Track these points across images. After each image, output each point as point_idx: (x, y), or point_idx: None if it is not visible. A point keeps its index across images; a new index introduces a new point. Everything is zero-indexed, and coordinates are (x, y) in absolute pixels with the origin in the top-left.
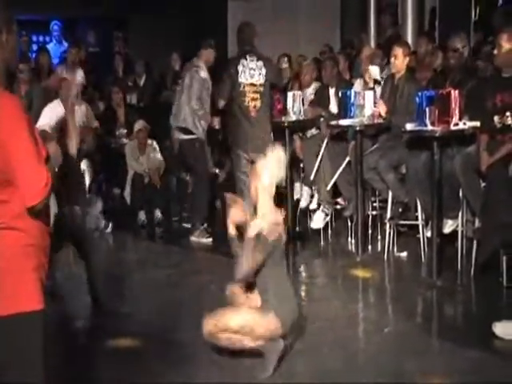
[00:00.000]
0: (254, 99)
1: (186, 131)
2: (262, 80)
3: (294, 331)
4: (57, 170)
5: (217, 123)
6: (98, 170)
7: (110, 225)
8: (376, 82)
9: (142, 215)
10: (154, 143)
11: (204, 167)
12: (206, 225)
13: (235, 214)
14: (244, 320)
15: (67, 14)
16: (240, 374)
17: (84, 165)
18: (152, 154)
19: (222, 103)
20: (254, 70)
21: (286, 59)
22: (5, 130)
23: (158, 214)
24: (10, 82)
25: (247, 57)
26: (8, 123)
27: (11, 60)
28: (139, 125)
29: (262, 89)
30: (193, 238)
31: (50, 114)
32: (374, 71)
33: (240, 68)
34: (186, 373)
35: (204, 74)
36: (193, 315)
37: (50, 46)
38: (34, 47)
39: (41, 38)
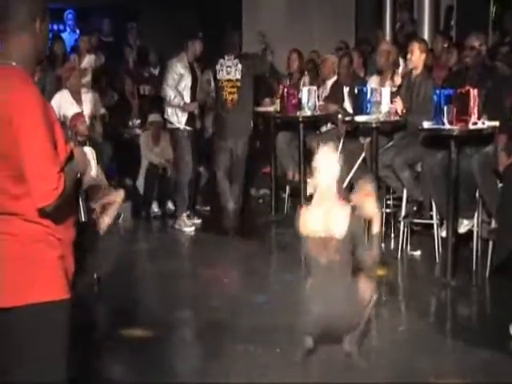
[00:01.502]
0: (231, 93)
1: (168, 120)
2: (238, 75)
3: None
4: (79, 175)
5: (193, 107)
6: (110, 159)
7: (122, 215)
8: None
9: (155, 206)
10: (167, 135)
11: (185, 158)
12: (188, 213)
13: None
14: None
15: (81, 3)
16: (248, 365)
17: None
18: (166, 146)
19: (200, 96)
20: (231, 67)
21: (296, 55)
22: (20, 129)
23: (170, 205)
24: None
25: (225, 56)
26: (24, 121)
27: (43, 48)
28: (152, 117)
29: (238, 84)
30: (176, 226)
31: (57, 106)
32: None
33: (218, 67)
34: (195, 363)
35: (182, 66)
36: (202, 307)
37: (64, 35)
38: (49, 35)
39: (55, 27)
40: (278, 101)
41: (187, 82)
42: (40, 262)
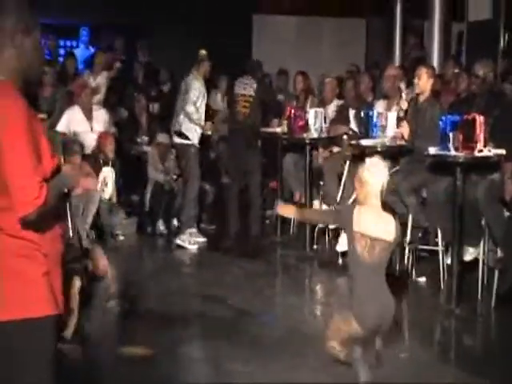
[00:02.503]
0: (244, 107)
1: (182, 135)
2: (251, 92)
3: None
4: (66, 190)
5: (209, 127)
6: (118, 176)
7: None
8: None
9: (160, 224)
10: (174, 153)
11: (195, 174)
12: (193, 230)
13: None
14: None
15: (94, 21)
16: None
17: (107, 173)
18: (172, 163)
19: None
20: (247, 84)
21: (300, 77)
22: (2, 141)
23: (175, 222)
24: (33, 83)
25: (244, 76)
26: (5, 134)
27: (29, 62)
28: (161, 138)
29: (251, 99)
30: (178, 242)
31: (67, 122)
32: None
33: (236, 83)
34: (194, 382)
35: (201, 84)
36: (204, 326)
37: (77, 51)
38: (62, 51)
39: (68, 43)
40: (285, 122)
41: (204, 100)
42: (23, 279)
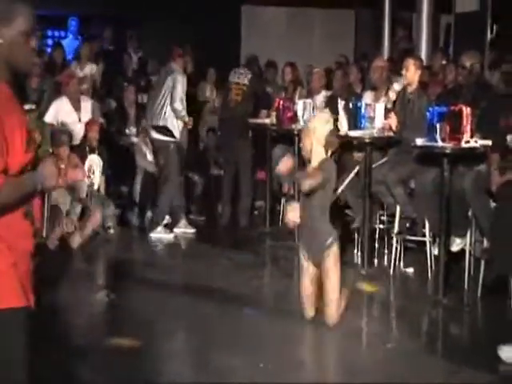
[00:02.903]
0: (236, 94)
1: (163, 132)
2: (245, 81)
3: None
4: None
5: (191, 122)
6: (106, 167)
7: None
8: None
9: (149, 215)
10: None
11: (175, 169)
12: (166, 221)
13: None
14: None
15: (83, 11)
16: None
17: (94, 161)
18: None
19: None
20: (242, 74)
21: (289, 68)
22: None
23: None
24: (20, 74)
25: (240, 67)
26: None
27: (12, 54)
28: (143, 123)
29: (244, 88)
30: (152, 235)
31: (55, 113)
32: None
33: (231, 72)
34: (179, 375)
35: (182, 78)
36: (191, 317)
37: (66, 41)
38: (51, 42)
39: (57, 34)
40: (273, 113)
41: (185, 94)
42: None
